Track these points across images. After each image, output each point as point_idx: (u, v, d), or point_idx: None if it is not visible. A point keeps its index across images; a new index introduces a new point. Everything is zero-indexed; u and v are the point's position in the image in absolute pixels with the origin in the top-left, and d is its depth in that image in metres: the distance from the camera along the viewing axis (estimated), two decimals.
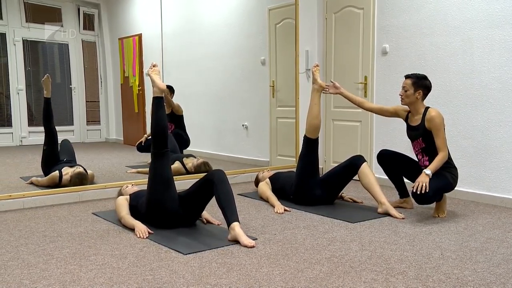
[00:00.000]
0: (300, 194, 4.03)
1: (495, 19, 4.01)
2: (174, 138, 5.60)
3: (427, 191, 3.36)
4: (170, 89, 5.67)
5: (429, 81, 3.64)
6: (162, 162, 3.24)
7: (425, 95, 3.61)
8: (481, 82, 4.13)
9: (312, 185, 4.00)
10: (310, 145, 4.03)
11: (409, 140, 3.80)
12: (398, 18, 4.75)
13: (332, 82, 4.11)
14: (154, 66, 3.33)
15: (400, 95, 3.68)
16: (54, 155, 4.73)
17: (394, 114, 3.86)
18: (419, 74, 3.66)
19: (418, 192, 3.38)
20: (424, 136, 3.59)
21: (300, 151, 4.18)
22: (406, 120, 3.78)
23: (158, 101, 3.24)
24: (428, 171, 3.42)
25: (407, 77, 3.65)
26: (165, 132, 3.25)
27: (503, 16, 3.96)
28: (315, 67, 4.16)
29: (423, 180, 3.39)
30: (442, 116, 3.55)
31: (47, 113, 4.74)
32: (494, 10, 4.02)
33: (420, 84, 3.59)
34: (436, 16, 4.42)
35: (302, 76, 5.64)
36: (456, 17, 4.27)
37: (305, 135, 4.06)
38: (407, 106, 3.74)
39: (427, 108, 3.61)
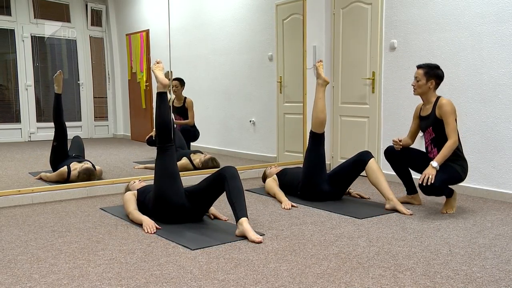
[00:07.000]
0: (307, 189, 4.03)
1: (505, 14, 3.97)
2: (182, 132, 5.62)
3: (433, 182, 3.35)
4: (180, 81, 5.68)
5: (441, 70, 3.62)
6: (167, 156, 3.30)
7: (437, 84, 3.60)
8: (490, 78, 4.10)
9: (319, 181, 4.00)
10: (317, 140, 4.03)
11: (418, 135, 3.80)
12: (406, 13, 4.72)
13: (395, 141, 3.84)
14: (158, 62, 3.46)
15: (412, 85, 3.66)
16: (63, 151, 4.75)
17: (417, 121, 3.79)
18: (431, 63, 3.64)
19: (424, 184, 3.38)
20: (434, 125, 3.58)
21: (306, 146, 4.17)
22: (420, 113, 3.78)
23: (161, 97, 3.33)
24: (434, 163, 3.40)
25: (419, 67, 3.63)
26: (169, 126, 3.31)
27: None
28: (318, 62, 4.16)
29: (429, 172, 3.38)
30: (453, 105, 3.52)
31: (57, 109, 4.74)
32: (503, 4, 3.98)
33: (432, 73, 3.58)
34: (445, 11, 4.39)
35: (310, 72, 5.62)
36: (465, 12, 4.24)
37: (311, 130, 4.06)
38: (418, 105, 3.74)
39: (438, 97, 3.60)
